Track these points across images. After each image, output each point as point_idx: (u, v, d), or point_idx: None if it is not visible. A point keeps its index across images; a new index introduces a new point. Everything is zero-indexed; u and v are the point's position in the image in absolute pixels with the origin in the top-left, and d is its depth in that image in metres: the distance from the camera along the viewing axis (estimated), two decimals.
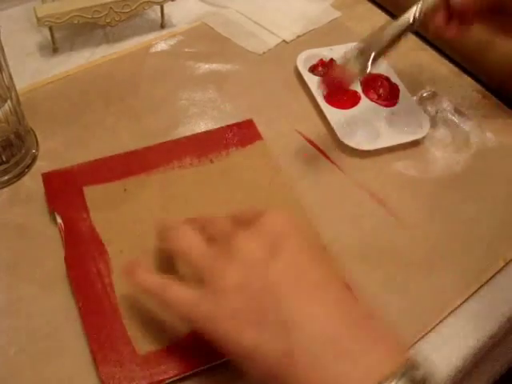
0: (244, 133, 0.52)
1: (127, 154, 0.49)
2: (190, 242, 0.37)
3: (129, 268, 0.38)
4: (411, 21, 0.46)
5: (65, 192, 0.46)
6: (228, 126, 0.52)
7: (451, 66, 0.64)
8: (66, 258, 0.43)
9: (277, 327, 0.32)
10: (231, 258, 0.34)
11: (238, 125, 0.52)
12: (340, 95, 0.57)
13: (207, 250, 0.36)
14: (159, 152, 0.49)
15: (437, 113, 0.58)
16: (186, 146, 0.50)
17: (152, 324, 0.38)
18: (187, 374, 0.38)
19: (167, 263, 0.42)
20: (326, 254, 0.36)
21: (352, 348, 0.31)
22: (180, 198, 0.46)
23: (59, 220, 0.45)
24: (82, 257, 0.43)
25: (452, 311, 0.44)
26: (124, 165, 0.48)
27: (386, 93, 0.58)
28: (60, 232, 0.45)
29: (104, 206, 0.45)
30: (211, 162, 0.49)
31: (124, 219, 0.45)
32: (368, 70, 0.46)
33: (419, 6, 0.46)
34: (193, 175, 0.48)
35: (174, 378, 0.38)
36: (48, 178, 0.47)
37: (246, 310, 0.33)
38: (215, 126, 0.55)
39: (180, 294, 0.35)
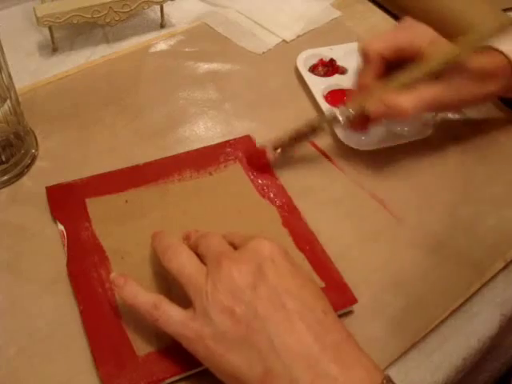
0: (242, 147, 0.52)
1: (128, 168, 0.50)
2: (183, 263, 0.38)
3: (118, 282, 0.39)
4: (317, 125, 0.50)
5: (68, 203, 0.47)
6: (226, 141, 0.53)
7: None
8: (68, 264, 0.43)
9: (256, 351, 0.33)
10: (219, 281, 0.35)
11: (237, 140, 0.53)
12: (339, 96, 0.58)
13: (198, 272, 0.37)
14: (160, 166, 0.50)
15: (437, 114, 0.58)
16: (185, 161, 0.51)
17: (151, 325, 0.38)
18: (187, 374, 0.38)
19: (163, 278, 0.42)
20: (310, 277, 0.38)
21: (329, 371, 0.32)
22: (179, 208, 0.47)
23: (61, 227, 0.45)
24: (84, 263, 0.43)
25: (452, 311, 0.44)
26: (125, 179, 0.49)
27: None
28: (61, 236, 0.45)
29: (106, 217, 0.46)
30: (210, 174, 0.50)
31: (125, 228, 0.46)
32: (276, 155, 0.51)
33: (337, 114, 0.49)
34: (192, 187, 0.49)
35: (174, 379, 0.38)
36: (52, 191, 0.48)
37: (231, 333, 0.34)
38: (215, 126, 0.56)
39: (170, 313, 0.36)
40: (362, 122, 0.50)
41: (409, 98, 0.47)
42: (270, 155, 0.51)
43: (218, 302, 0.35)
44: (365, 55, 0.50)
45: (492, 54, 0.50)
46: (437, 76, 0.48)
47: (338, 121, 0.49)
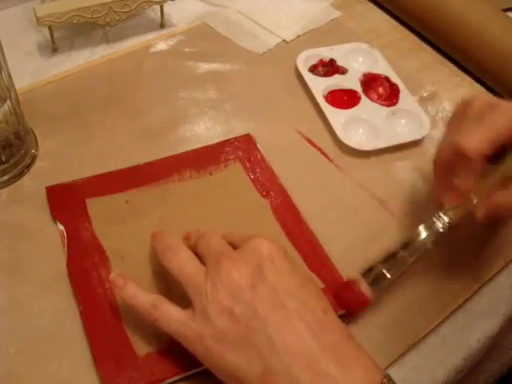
0: (242, 147, 0.52)
1: (129, 168, 0.50)
2: (182, 264, 0.38)
3: (118, 282, 0.39)
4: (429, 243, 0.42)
5: (68, 203, 0.47)
6: (226, 140, 0.53)
7: (451, 65, 0.64)
8: (68, 264, 0.43)
9: (256, 351, 0.33)
10: (219, 281, 0.35)
11: (237, 139, 0.53)
12: (339, 96, 0.58)
13: (197, 272, 0.37)
14: (160, 166, 0.50)
15: (437, 113, 0.58)
16: (185, 160, 0.51)
17: (151, 325, 0.38)
18: (187, 374, 0.38)
19: (163, 278, 0.42)
20: (310, 277, 0.38)
21: (329, 370, 0.32)
22: (179, 209, 0.47)
23: (61, 227, 0.45)
24: (84, 263, 0.43)
25: (452, 311, 0.44)
26: (125, 179, 0.49)
27: (386, 93, 0.58)
28: (61, 236, 0.45)
29: (106, 217, 0.46)
30: (210, 174, 0.50)
31: (125, 228, 0.46)
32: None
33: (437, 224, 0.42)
34: (192, 187, 0.49)
35: (174, 379, 0.38)
36: (52, 191, 0.48)
37: (230, 333, 0.34)
38: (215, 126, 0.56)
39: (169, 312, 0.36)
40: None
41: None
42: (366, 291, 0.41)
43: (217, 302, 0.35)
44: (464, 156, 0.41)
45: None
46: None
47: (439, 231, 0.42)
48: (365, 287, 0.41)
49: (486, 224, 0.42)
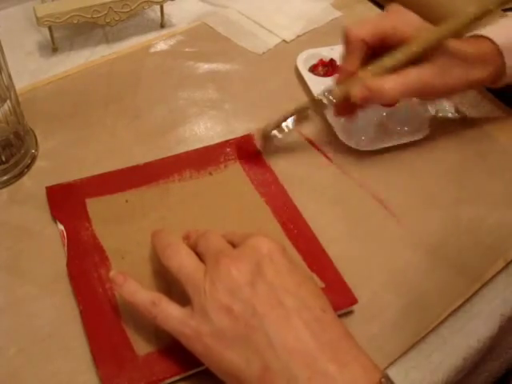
0: (242, 147, 0.52)
1: (128, 168, 0.50)
2: (182, 262, 0.38)
3: (118, 280, 0.39)
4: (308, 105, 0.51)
5: (68, 203, 0.47)
6: (226, 141, 0.53)
7: None
8: (68, 264, 0.43)
9: (254, 349, 0.33)
10: (218, 279, 0.35)
11: (237, 140, 0.53)
12: None
13: (197, 270, 0.37)
14: (160, 166, 0.50)
15: (437, 113, 0.58)
16: (185, 161, 0.51)
17: (151, 325, 0.38)
18: (187, 374, 0.38)
19: (163, 277, 0.42)
20: (309, 276, 0.38)
21: (327, 368, 0.32)
22: (179, 208, 0.47)
23: (61, 227, 0.45)
24: (84, 263, 0.43)
25: (452, 311, 0.44)
26: (125, 179, 0.49)
27: None
28: (61, 236, 0.45)
29: (106, 217, 0.46)
30: (210, 174, 0.50)
31: (125, 228, 0.46)
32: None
33: (325, 93, 0.49)
34: (192, 187, 0.49)
35: (174, 379, 0.38)
36: (52, 191, 0.48)
37: (229, 331, 0.34)
38: (214, 126, 0.56)
39: (168, 310, 0.37)
40: (348, 107, 0.50)
41: (392, 81, 0.47)
42: (258, 141, 0.51)
43: (216, 300, 0.35)
44: (347, 41, 0.49)
45: (480, 39, 0.50)
46: (422, 60, 0.47)
47: (324, 105, 0.49)
48: (258, 140, 0.52)
49: (361, 106, 0.49)
